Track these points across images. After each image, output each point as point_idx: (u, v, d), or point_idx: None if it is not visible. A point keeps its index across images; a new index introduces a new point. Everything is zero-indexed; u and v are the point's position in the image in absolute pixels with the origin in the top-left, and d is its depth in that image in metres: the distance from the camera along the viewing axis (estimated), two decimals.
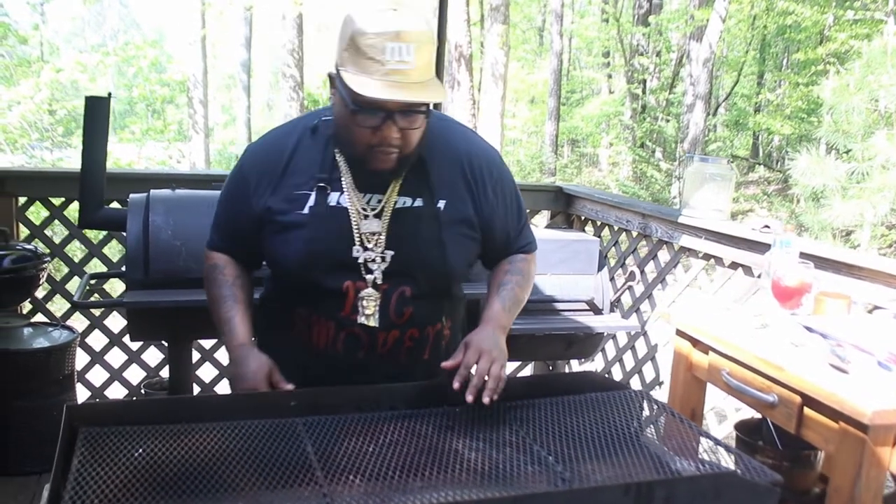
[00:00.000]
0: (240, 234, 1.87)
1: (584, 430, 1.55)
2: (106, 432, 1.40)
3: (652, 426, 1.66)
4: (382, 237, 1.77)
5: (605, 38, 22.17)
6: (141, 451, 1.37)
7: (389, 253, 1.77)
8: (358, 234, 1.76)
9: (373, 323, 1.78)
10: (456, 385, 1.64)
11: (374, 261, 1.76)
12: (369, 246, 1.76)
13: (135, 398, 3.83)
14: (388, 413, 1.59)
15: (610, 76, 23.15)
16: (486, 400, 1.61)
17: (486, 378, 1.65)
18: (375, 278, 1.77)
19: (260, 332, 1.99)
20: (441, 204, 1.81)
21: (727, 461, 1.46)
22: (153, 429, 1.43)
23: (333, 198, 1.77)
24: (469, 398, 1.61)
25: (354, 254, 1.76)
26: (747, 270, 3.22)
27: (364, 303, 1.77)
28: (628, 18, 20.77)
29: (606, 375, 3.46)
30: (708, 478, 1.39)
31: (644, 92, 20.17)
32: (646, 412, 1.69)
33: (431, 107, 1.73)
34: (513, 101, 21.99)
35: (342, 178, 1.78)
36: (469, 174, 1.85)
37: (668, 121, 19.98)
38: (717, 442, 1.51)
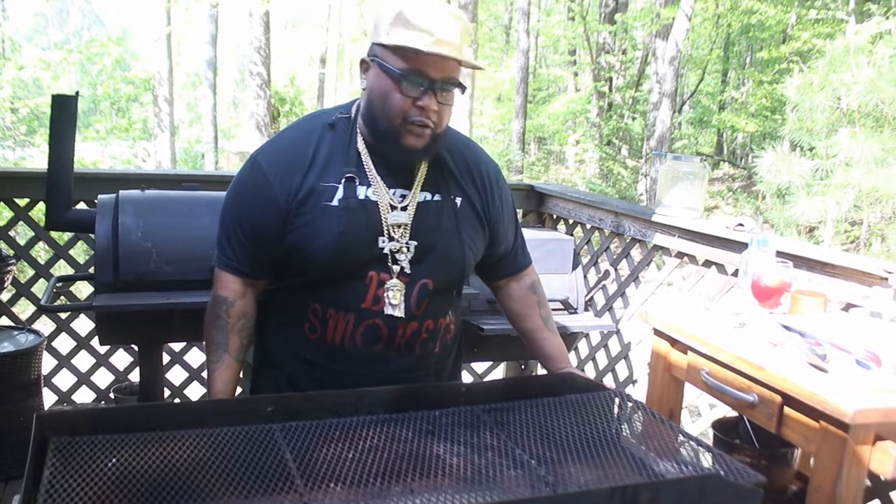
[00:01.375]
0: (262, 241, 1.84)
1: (565, 433, 1.54)
2: (78, 441, 1.36)
3: (632, 427, 1.66)
4: (408, 228, 1.82)
5: (571, 36, 22.26)
6: (115, 460, 1.33)
7: (413, 243, 1.82)
8: (386, 226, 1.81)
9: (399, 313, 1.82)
10: None
11: (399, 251, 1.81)
12: (395, 236, 1.81)
13: (107, 404, 3.78)
14: (367, 417, 1.56)
15: (576, 74, 23.26)
16: None
17: None
18: (403, 268, 1.82)
19: (264, 334, 2.00)
20: (458, 200, 1.90)
21: (709, 462, 1.45)
22: (127, 437, 1.39)
23: (362, 191, 1.81)
24: None
25: (380, 244, 1.80)
26: (720, 268, 3.23)
27: (390, 293, 1.81)
28: (594, 16, 20.86)
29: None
30: (692, 480, 1.37)
31: (610, 90, 20.27)
32: (626, 413, 1.68)
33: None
34: (479, 99, 22.04)
35: (368, 173, 1.82)
36: (478, 178, 1.97)
37: (634, 118, 20.11)
38: (698, 443, 1.50)
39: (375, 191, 1.81)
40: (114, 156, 13.48)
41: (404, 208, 1.83)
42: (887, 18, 8.58)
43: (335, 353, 1.85)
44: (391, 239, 1.81)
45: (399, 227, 1.81)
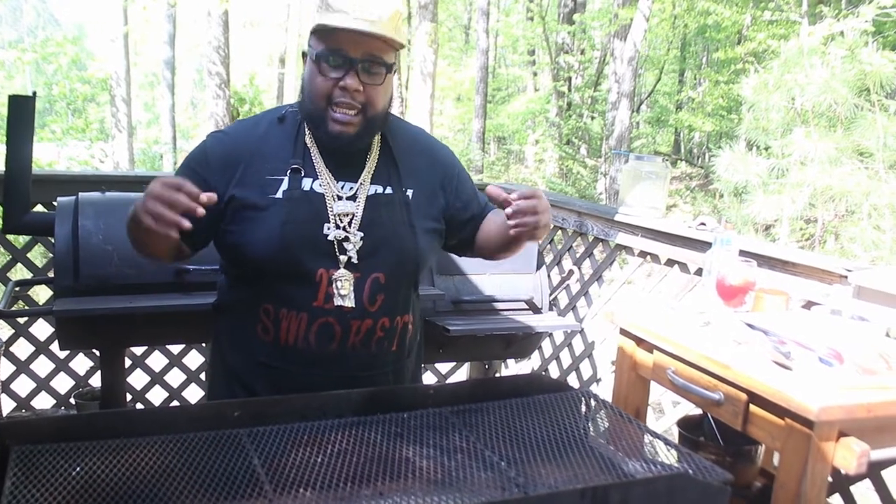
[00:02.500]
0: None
1: (533, 434, 1.54)
2: (40, 450, 1.33)
3: (600, 427, 1.66)
4: (357, 219, 1.80)
5: (530, 36, 22.33)
6: (79, 469, 1.31)
7: (359, 234, 1.80)
8: (332, 215, 1.79)
9: (349, 303, 1.79)
10: (505, 196, 1.69)
11: (346, 240, 1.79)
12: (341, 225, 1.79)
13: (67, 410, 3.72)
14: (335, 421, 1.55)
15: (535, 74, 23.33)
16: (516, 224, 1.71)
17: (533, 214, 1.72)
18: (350, 258, 1.79)
19: (219, 339, 1.97)
20: (409, 192, 1.88)
21: (678, 461, 1.46)
22: (91, 445, 1.36)
23: (307, 183, 1.80)
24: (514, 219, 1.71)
25: (325, 231, 1.78)
26: (683, 267, 3.25)
27: (339, 284, 1.78)
28: (553, 17, 20.95)
29: (543, 373, 3.48)
30: (662, 479, 1.38)
31: (569, 89, 20.37)
32: (593, 413, 1.69)
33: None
34: (439, 99, 22.05)
35: (315, 165, 1.81)
36: (439, 167, 1.96)
37: (593, 118, 20.22)
38: (665, 442, 1.51)
39: (322, 183, 1.80)
40: (70, 157, 13.26)
41: (351, 198, 1.81)
42: (838, 20, 8.71)
43: (289, 353, 1.83)
44: (337, 227, 1.79)
45: (346, 216, 1.80)
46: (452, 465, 1.45)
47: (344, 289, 1.78)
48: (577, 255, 3.91)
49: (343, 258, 1.79)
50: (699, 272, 3.11)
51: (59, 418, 1.56)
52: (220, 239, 1.84)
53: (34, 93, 2.85)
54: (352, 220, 1.80)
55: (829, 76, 7.12)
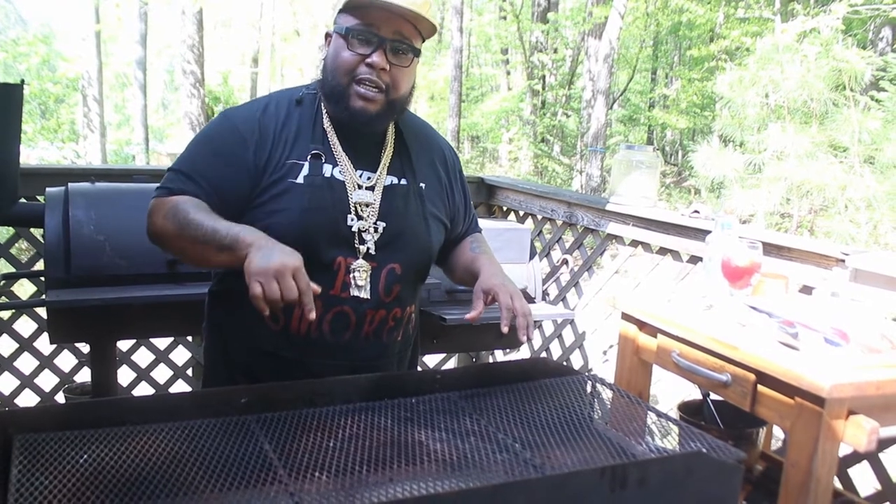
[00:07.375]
0: (222, 200, 1.73)
1: (543, 417, 1.53)
2: (45, 438, 1.30)
3: (611, 409, 1.66)
4: (375, 209, 1.79)
5: (503, 35, 22.37)
6: (86, 456, 1.27)
7: (381, 224, 1.79)
8: (353, 205, 1.77)
9: (364, 295, 1.78)
10: (506, 329, 1.71)
11: (367, 231, 1.78)
12: (363, 216, 1.78)
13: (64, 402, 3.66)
14: (343, 407, 1.53)
15: (509, 73, 23.38)
16: (525, 339, 1.75)
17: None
18: (368, 249, 1.78)
19: (217, 328, 1.93)
20: (422, 185, 1.88)
21: (690, 440, 1.45)
22: (97, 432, 1.33)
23: (328, 169, 1.77)
24: (524, 338, 1.75)
25: (349, 222, 1.76)
26: (675, 256, 3.25)
27: (356, 274, 1.77)
28: (527, 15, 20.99)
29: (547, 357, 3.46)
30: (679, 458, 1.38)
31: (543, 88, 20.42)
32: (602, 395, 1.68)
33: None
34: (414, 98, 22.00)
35: (335, 152, 1.79)
36: (442, 165, 1.97)
37: (568, 116, 20.28)
38: (675, 422, 1.51)
39: (342, 170, 1.78)
40: (41, 158, 13.13)
41: (370, 188, 1.80)
42: (809, 18, 8.79)
43: (300, 343, 1.80)
44: (359, 218, 1.78)
45: (366, 206, 1.78)
46: (467, 448, 1.43)
47: (361, 279, 1.77)
48: (567, 246, 3.91)
49: (362, 248, 1.78)
50: (692, 260, 3.12)
51: (62, 406, 1.52)
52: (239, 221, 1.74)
53: (22, 80, 2.80)
54: (371, 209, 1.79)
55: (804, 72, 7.19)
